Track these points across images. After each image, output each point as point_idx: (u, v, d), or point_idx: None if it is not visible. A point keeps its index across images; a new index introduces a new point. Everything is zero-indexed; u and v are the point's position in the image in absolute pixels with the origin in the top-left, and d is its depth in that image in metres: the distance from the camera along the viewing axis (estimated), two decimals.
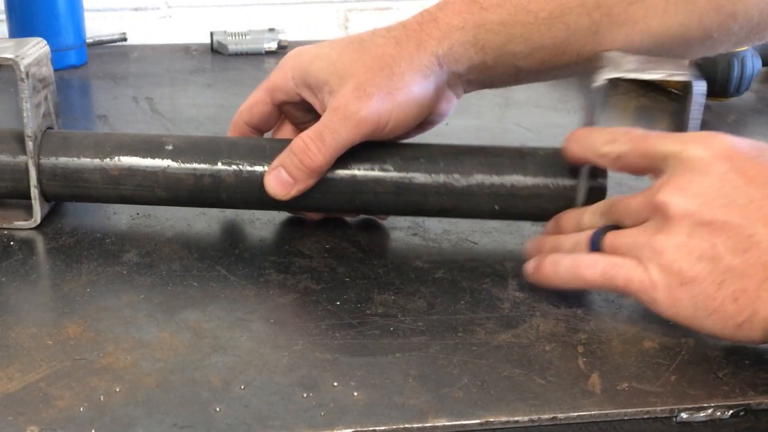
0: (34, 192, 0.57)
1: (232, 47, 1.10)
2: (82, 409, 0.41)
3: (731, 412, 0.43)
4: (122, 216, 0.61)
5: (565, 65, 0.55)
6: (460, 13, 0.53)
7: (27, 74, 0.55)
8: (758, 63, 0.89)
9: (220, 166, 0.56)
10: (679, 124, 0.56)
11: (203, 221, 0.60)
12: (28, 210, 0.58)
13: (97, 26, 1.13)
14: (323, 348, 0.46)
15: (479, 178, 0.56)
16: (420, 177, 0.56)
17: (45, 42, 0.59)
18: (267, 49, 1.11)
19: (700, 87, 0.52)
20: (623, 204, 0.49)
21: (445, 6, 0.54)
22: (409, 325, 0.49)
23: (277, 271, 0.54)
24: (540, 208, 0.56)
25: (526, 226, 0.61)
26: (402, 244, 0.59)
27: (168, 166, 0.56)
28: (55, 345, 0.46)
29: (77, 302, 0.50)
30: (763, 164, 0.45)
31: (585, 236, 0.50)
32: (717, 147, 0.46)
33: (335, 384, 0.43)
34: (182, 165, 0.56)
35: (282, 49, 1.12)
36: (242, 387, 0.43)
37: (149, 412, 0.41)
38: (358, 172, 0.56)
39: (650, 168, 0.49)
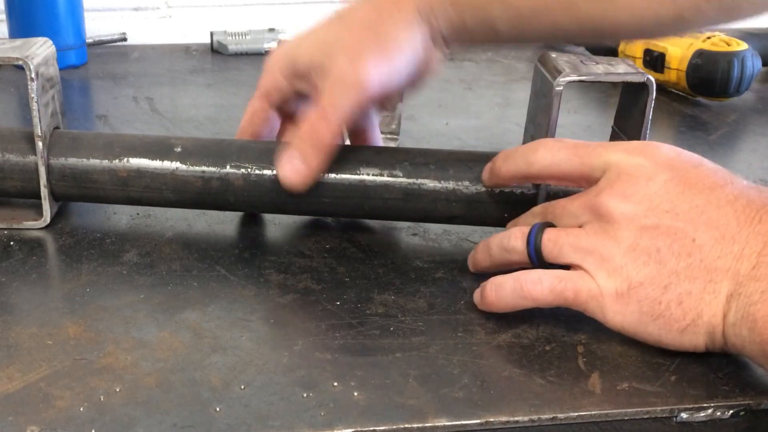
0: (44, 192, 0.57)
1: (232, 47, 1.10)
2: (82, 409, 0.41)
3: (731, 412, 0.43)
4: (122, 216, 0.61)
5: (542, 33, 0.56)
6: None
7: (37, 74, 0.55)
8: (758, 63, 0.89)
9: (228, 169, 0.56)
10: (633, 122, 0.56)
11: (203, 221, 0.60)
12: (37, 210, 0.58)
13: (97, 26, 1.13)
14: (323, 348, 0.46)
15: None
16: (429, 183, 0.56)
17: (51, 42, 0.59)
18: (267, 49, 1.11)
19: (654, 86, 0.55)
20: (560, 205, 0.49)
21: None
22: (409, 325, 0.49)
23: (277, 271, 0.54)
24: None
25: None
26: (402, 244, 0.59)
27: (177, 168, 0.56)
28: (55, 345, 0.46)
29: (77, 302, 0.50)
30: (704, 173, 0.46)
31: (521, 233, 0.49)
32: (659, 156, 0.46)
33: (335, 384, 0.43)
34: (191, 167, 0.56)
35: None
36: (242, 387, 0.43)
37: (149, 412, 0.41)
38: (368, 177, 0.56)
39: (586, 176, 0.48)
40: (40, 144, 0.56)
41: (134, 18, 1.17)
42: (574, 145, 0.49)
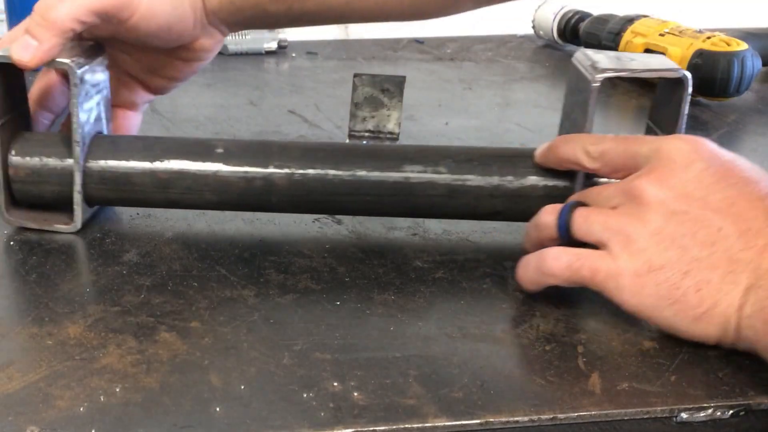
0: (77, 197, 0.56)
1: (232, 47, 1.10)
2: (82, 409, 0.41)
3: (731, 412, 0.43)
4: (122, 216, 0.61)
5: (314, 13, 0.57)
6: None
7: (81, 79, 0.54)
8: (758, 63, 0.89)
9: (271, 169, 0.56)
10: (668, 117, 0.56)
11: (203, 221, 0.60)
12: (70, 214, 0.58)
13: None
14: (323, 348, 0.46)
15: (533, 180, 0.56)
16: (473, 179, 0.56)
17: (102, 47, 0.58)
18: (267, 49, 1.11)
19: (690, 80, 0.54)
20: (596, 190, 0.50)
21: None
22: (408, 324, 0.49)
23: (277, 271, 0.54)
24: None
25: (526, 226, 0.61)
26: (402, 244, 0.59)
27: (219, 169, 0.56)
28: (55, 345, 0.46)
29: (77, 302, 0.50)
30: (739, 167, 0.46)
31: (553, 209, 0.51)
32: (698, 147, 0.47)
33: (335, 384, 0.43)
34: (233, 168, 0.56)
35: (282, 48, 1.12)
36: (242, 387, 0.43)
37: (149, 412, 0.41)
38: (412, 174, 0.56)
39: (631, 166, 0.49)
40: (77, 149, 0.55)
41: None
42: (633, 138, 0.51)
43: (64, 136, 0.57)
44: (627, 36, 1.00)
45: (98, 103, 0.58)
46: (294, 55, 1.11)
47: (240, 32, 1.11)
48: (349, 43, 1.18)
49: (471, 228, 0.61)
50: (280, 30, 1.13)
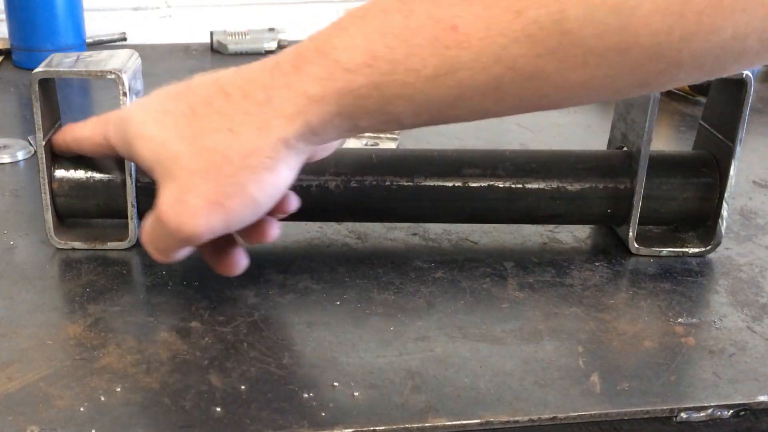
0: (131, 211, 0.55)
1: (232, 47, 1.10)
2: (82, 409, 0.41)
3: (731, 412, 0.43)
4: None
5: (462, 119, 0.46)
6: (319, 80, 0.42)
7: (129, 88, 0.54)
8: None
9: (327, 176, 0.55)
10: (727, 117, 0.56)
11: None
12: (118, 229, 0.57)
13: (97, 26, 1.13)
14: (324, 348, 0.46)
15: (593, 181, 0.56)
16: (533, 182, 0.56)
17: (137, 54, 0.57)
18: (267, 49, 1.11)
19: (753, 81, 0.54)
20: None
21: (300, 66, 0.42)
22: (409, 324, 0.49)
23: (277, 271, 0.54)
24: (653, 210, 0.57)
25: (526, 226, 0.61)
26: (402, 244, 0.59)
27: None
28: (55, 345, 0.46)
29: (77, 302, 0.50)
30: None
31: None
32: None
33: (335, 384, 0.43)
34: None
35: (282, 48, 1.12)
36: (242, 387, 0.43)
37: (149, 412, 0.41)
38: (471, 179, 0.56)
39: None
40: (131, 163, 0.54)
41: (134, 18, 1.17)
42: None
43: None
44: None
45: None
46: None
47: (240, 32, 1.11)
48: None
49: (471, 228, 0.61)
50: (279, 30, 1.13)
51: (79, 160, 0.55)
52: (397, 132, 0.73)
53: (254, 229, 0.48)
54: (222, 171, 0.43)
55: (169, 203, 0.44)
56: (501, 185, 0.56)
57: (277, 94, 0.43)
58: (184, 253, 0.47)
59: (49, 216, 0.55)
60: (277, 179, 0.44)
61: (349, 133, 0.44)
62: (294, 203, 0.49)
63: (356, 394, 0.43)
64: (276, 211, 0.48)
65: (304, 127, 0.43)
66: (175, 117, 0.45)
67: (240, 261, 0.50)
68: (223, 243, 0.50)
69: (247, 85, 0.44)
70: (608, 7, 0.37)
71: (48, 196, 0.54)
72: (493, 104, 0.42)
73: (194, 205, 0.44)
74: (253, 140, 0.43)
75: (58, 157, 0.55)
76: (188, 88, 0.46)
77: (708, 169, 0.57)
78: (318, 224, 0.61)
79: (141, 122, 0.46)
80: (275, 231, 0.49)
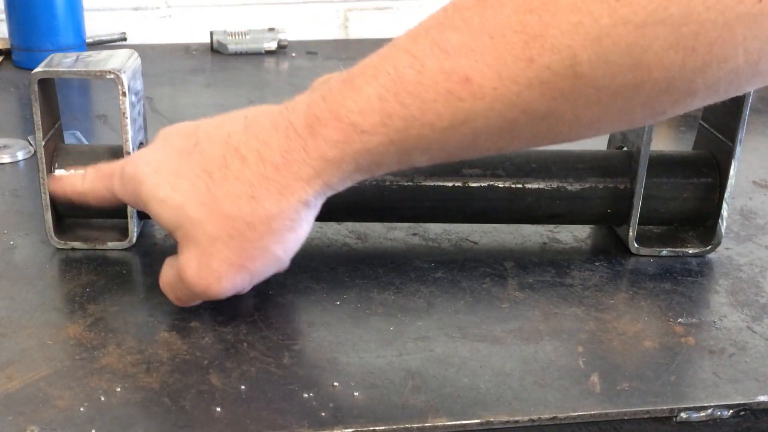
0: (131, 210, 0.55)
1: (232, 47, 1.10)
2: (82, 409, 0.41)
3: (731, 412, 0.43)
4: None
5: (476, 156, 0.49)
6: (335, 143, 0.42)
7: (129, 88, 0.53)
8: None
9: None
10: (728, 117, 0.56)
11: None
12: (118, 230, 0.57)
13: (97, 26, 1.13)
14: (323, 348, 0.46)
15: (593, 181, 0.56)
16: (533, 182, 0.56)
17: (137, 54, 0.57)
18: (267, 49, 1.11)
19: None
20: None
21: (315, 128, 0.42)
22: (409, 324, 0.49)
23: None
24: (653, 210, 0.57)
25: (526, 226, 0.61)
26: (402, 244, 0.59)
27: None
28: (55, 345, 0.46)
29: (77, 302, 0.50)
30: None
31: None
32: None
33: (335, 384, 0.43)
34: None
35: (282, 48, 1.12)
36: (242, 387, 0.43)
37: (149, 412, 0.41)
38: (471, 179, 0.56)
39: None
40: None
41: (134, 18, 1.17)
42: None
43: (106, 147, 0.56)
44: None
45: (139, 113, 0.57)
46: (294, 54, 1.11)
47: (240, 32, 1.11)
48: (349, 43, 1.18)
49: (471, 228, 0.61)
50: (279, 30, 1.13)
51: (79, 160, 0.55)
52: None
53: None
54: (245, 237, 0.44)
55: (194, 268, 0.45)
56: (501, 185, 0.56)
57: (295, 158, 0.43)
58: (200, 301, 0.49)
59: (49, 216, 0.55)
60: (298, 236, 0.46)
61: (365, 179, 0.45)
62: None
63: (356, 394, 0.43)
64: None
65: (324, 187, 0.44)
66: (191, 180, 0.45)
67: None
68: None
69: (263, 147, 0.44)
70: (620, 48, 0.36)
71: (48, 196, 0.54)
72: (508, 144, 0.42)
73: (219, 270, 0.45)
74: (274, 205, 0.44)
75: (58, 157, 0.55)
76: (198, 144, 0.46)
77: (708, 169, 0.57)
78: (318, 224, 0.60)
79: (155, 184, 0.46)
80: None
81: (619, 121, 0.41)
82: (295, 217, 0.44)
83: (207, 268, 0.45)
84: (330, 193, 0.45)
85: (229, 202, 0.44)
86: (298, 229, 0.45)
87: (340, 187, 0.45)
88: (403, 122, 0.41)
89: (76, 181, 0.52)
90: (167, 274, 0.48)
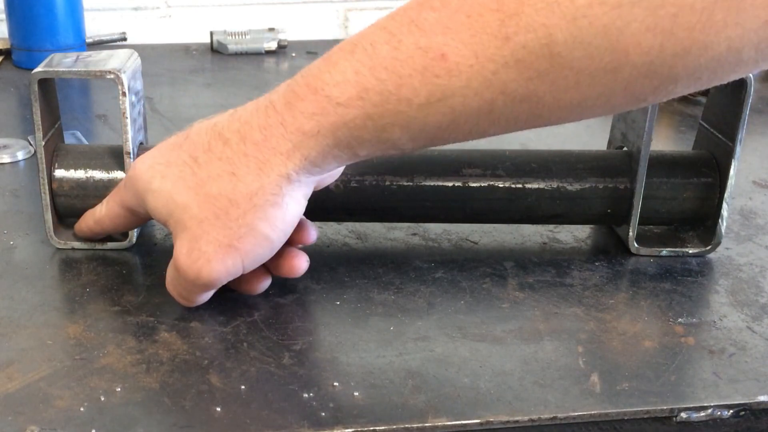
0: None
1: (232, 47, 1.10)
2: (82, 409, 0.41)
3: (731, 412, 0.43)
4: None
5: (459, 140, 0.46)
6: (312, 115, 0.42)
7: (129, 88, 0.53)
8: None
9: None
10: (728, 118, 0.56)
11: None
12: None
13: (97, 26, 1.13)
14: (323, 348, 0.46)
15: (593, 181, 0.56)
16: (533, 182, 0.56)
17: (137, 54, 0.57)
18: (267, 49, 1.11)
19: (753, 82, 0.54)
20: None
21: (292, 103, 0.43)
22: (409, 324, 0.49)
23: None
24: (653, 210, 0.57)
25: (526, 226, 0.61)
26: (402, 244, 0.59)
27: None
28: (55, 345, 0.46)
29: (77, 302, 0.50)
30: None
31: None
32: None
33: (335, 384, 0.43)
34: None
35: (282, 48, 1.12)
36: (242, 387, 0.43)
37: (149, 412, 0.41)
38: (471, 179, 0.56)
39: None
40: (129, 161, 0.54)
41: (134, 18, 1.17)
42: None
43: (106, 147, 0.56)
44: None
45: (139, 112, 0.57)
46: (294, 54, 1.11)
47: (240, 32, 1.11)
48: None
49: (471, 228, 0.61)
50: (279, 30, 1.13)
51: (79, 160, 0.55)
52: None
53: (280, 263, 0.50)
54: (230, 215, 0.44)
55: (184, 253, 0.46)
56: (501, 185, 0.56)
57: (273, 132, 0.44)
58: (207, 296, 0.49)
59: (49, 216, 0.55)
60: (285, 214, 0.45)
61: (350, 161, 0.45)
62: (313, 234, 0.50)
63: (356, 394, 0.43)
64: (295, 242, 0.50)
65: (304, 161, 0.44)
66: (179, 167, 0.46)
67: (262, 284, 0.51)
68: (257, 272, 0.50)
69: (244, 127, 0.44)
70: (596, 28, 0.36)
71: (48, 196, 0.54)
72: (489, 126, 0.42)
73: (207, 251, 0.45)
74: (255, 180, 0.44)
75: (58, 157, 0.55)
76: (188, 137, 0.47)
77: (708, 169, 0.57)
78: (318, 224, 0.60)
79: (149, 177, 0.47)
80: (302, 263, 0.50)
81: (600, 105, 0.40)
82: (276, 191, 0.44)
83: (197, 251, 0.45)
84: (315, 171, 0.45)
85: (212, 182, 0.45)
86: (282, 205, 0.45)
87: (324, 165, 0.44)
88: (379, 96, 0.41)
89: (95, 211, 0.54)
90: (168, 271, 0.49)
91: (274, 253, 0.47)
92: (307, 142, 0.43)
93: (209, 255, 0.45)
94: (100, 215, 0.53)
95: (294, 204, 0.45)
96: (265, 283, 0.51)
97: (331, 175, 0.50)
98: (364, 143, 0.43)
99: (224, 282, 0.47)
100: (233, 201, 0.44)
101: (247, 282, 0.50)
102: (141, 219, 0.52)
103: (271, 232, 0.45)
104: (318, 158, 0.44)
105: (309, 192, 0.46)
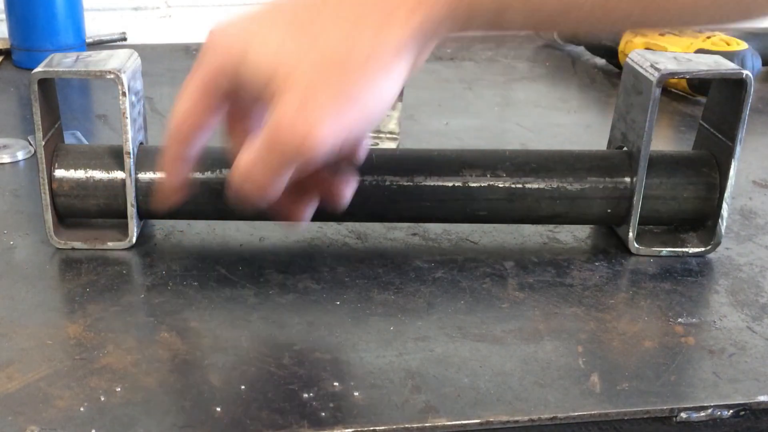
0: (131, 210, 0.55)
1: None
2: (82, 409, 0.41)
3: (731, 412, 0.43)
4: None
5: (564, 28, 0.49)
6: None
7: (129, 88, 0.53)
8: (758, 63, 0.89)
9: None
10: (727, 117, 0.56)
11: (203, 221, 0.60)
12: (118, 229, 0.56)
13: (97, 26, 1.13)
14: (323, 348, 0.46)
15: (593, 181, 0.56)
16: (533, 182, 0.56)
17: (137, 54, 0.57)
18: None
19: (752, 81, 0.54)
20: None
21: None
22: (409, 324, 0.49)
23: (277, 270, 0.54)
24: (653, 210, 0.57)
25: (526, 226, 0.61)
26: (402, 244, 0.59)
27: None
28: (55, 345, 0.46)
29: (77, 302, 0.50)
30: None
31: None
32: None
33: (335, 384, 0.43)
34: None
35: None
36: (242, 387, 0.43)
37: (149, 412, 0.41)
38: (471, 179, 0.56)
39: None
40: (129, 161, 0.54)
41: (134, 18, 1.17)
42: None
43: (106, 147, 0.56)
44: (627, 35, 1.00)
45: (140, 112, 0.57)
46: None
47: None
48: None
49: (471, 228, 0.61)
50: None
51: (79, 160, 0.55)
52: (397, 132, 0.73)
53: (331, 186, 0.49)
54: (348, 66, 0.42)
55: (291, 113, 0.42)
56: (501, 185, 0.56)
57: None
58: (283, 183, 0.45)
59: (49, 216, 0.55)
60: (396, 76, 0.43)
61: (457, 33, 0.43)
62: (365, 150, 0.50)
63: (356, 394, 0.43)
64: (348, 158, 0.49)
65: (423, 20, 0.42)
66: (287, 20, 0.43)
67: (307, 211, 0.50)
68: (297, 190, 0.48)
69: None
70: None
71: (48, 196, 0.54)
72: (602, 16, 0.42)
73: (319, 109, 0.41)
74: (377, 35, 0.42)
75: (58, 157, 0.55)
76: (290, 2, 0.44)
77: (708, 169, 0.57)
78: (318, 224, 0.61)
79: (253, 32, 0.44)
80: (349, 191, 0.49)
81: (711, 14, 0.42)
82: (394, 53, 0.42)
83: (307, 109, 0.41)
84: (427, 37, 0.43)
85: (327, 39, 0.42)
86: (395, 70, 0.43)
87: (438, 30, 0.43)
88: None
89: (174, 116, 0.49)
90: (248, 151, 0.44)
91: (371, 129, 0.46)
92: (426, 3, 0.41)
93: (322, 113, 0.41)
94: (184, 108, 0.49)
95: (403, 73, 0.43)
96: (311, 209, 0.49)
97: (422, 57, 0.47)
98: (480, 20, 0.42)
99: (326, 151, 0.42)
100: (352, 50, 0.42)
101: (294, 205, 0.49)
102: (226, 96, 0.46)
103: (380, 99, 0.43)
104: (436, 20, 0.42)
105: (408, 70, 0.44)
